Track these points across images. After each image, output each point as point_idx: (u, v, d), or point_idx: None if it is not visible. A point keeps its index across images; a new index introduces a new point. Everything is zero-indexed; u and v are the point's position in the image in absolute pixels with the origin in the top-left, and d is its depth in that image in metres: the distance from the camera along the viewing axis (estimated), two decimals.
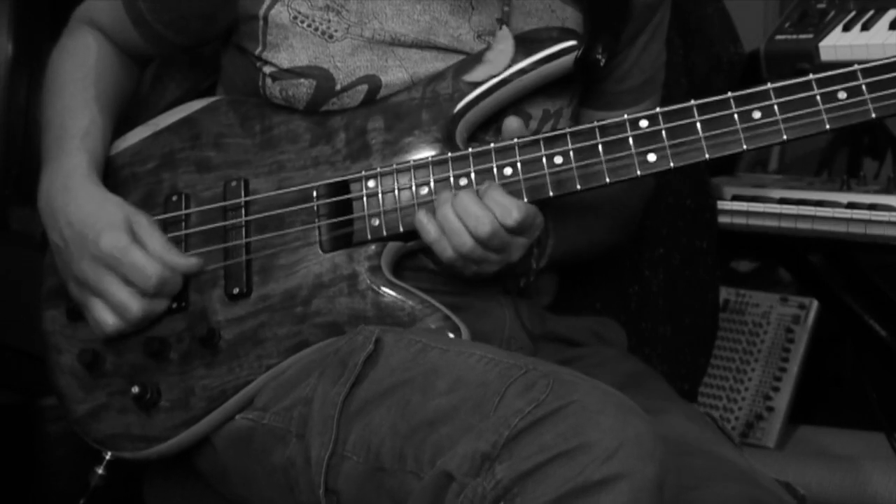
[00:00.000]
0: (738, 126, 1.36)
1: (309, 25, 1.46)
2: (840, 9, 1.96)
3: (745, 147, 1.36)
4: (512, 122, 1.43)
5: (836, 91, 1.35)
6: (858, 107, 1.35)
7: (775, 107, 1.36)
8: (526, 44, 1.46)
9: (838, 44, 1.89)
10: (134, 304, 1.44)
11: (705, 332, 2.06)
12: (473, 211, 1.36)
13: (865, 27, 1.89)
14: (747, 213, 1.84)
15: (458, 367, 1.29)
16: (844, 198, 1.75)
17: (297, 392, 1.40)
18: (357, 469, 1.31)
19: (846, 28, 1.91)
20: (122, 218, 1.45)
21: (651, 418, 1.21)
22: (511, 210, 1.36)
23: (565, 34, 1.47)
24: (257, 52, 1.50)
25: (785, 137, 1.36)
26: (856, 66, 1.35)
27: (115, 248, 1.43)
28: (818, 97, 1.35)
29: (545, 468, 1.15)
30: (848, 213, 1.72)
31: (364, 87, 1.46)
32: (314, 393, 1.37)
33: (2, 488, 2.26)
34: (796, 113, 1.36)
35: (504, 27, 1.47)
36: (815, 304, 2.49)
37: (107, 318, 1.46)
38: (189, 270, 1.46)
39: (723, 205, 1.87)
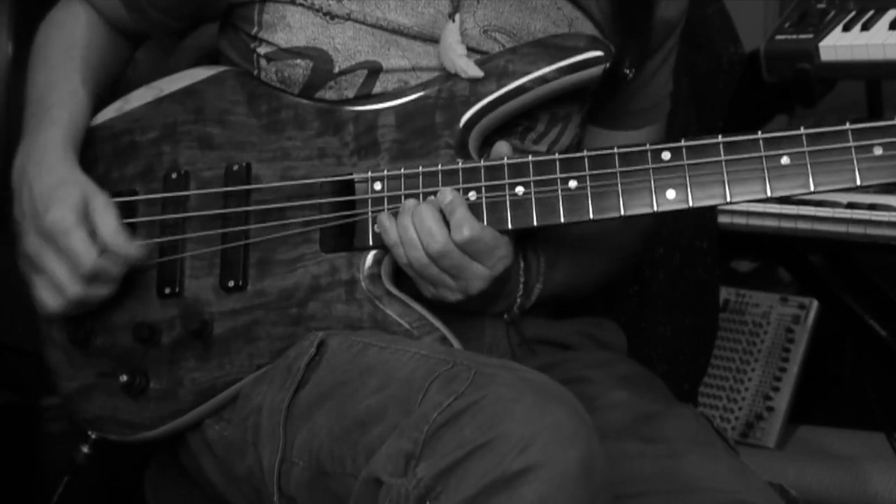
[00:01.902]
0: (765, 173, 1.30)
1: (310, 7, 1.43)
2: (840, 9, 1.96)
3: (769, 195, 1.30)
4: (501, 148, 1.40)
5: (873, 145, 1.27)
6: (894, 167, 1.27)
7: (806, 154, 1.29)
8: (551, 50, 1.39)
9: (838, 44, 1.90)
10: (71, 286, 1.39)
11: (705, 332, 2.06)
12: (429, 226, 1.33)
13: (865, 27, 1.89)
14: (747, 213, 1.84)
15: (391, 364, 1.27)
16: (844, 198, 1.75)
17: (252, 401, 1.39)
18: (304, 474, 1.30)
19: (846, 28, 1.91)
20: (76, 196, 1.40)
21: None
22: (462, 225, 1.32)
23: (594, 43, 1.39)
24: (253, 31, 1.46)
25: (812, 189, 1.29)
26: None
27: (58, 226, 1.38)
28: (853, 150, 1.28)
29: (464, 463, 1.13)
30: (848, 214, 1.72)
31: (363, 73, 1.42)
32: (264, 401, 1.37)
33: (2, 488, 2.26)
34: (827, 162, 1.29)
35: (450, 22, 1.41)
36: (815, 304, 2.49)
37: (46, 297, 1.41)
38: (135, 259, 1.41)
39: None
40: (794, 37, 1.97)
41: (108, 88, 1.57)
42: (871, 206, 1.71)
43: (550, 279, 1.51)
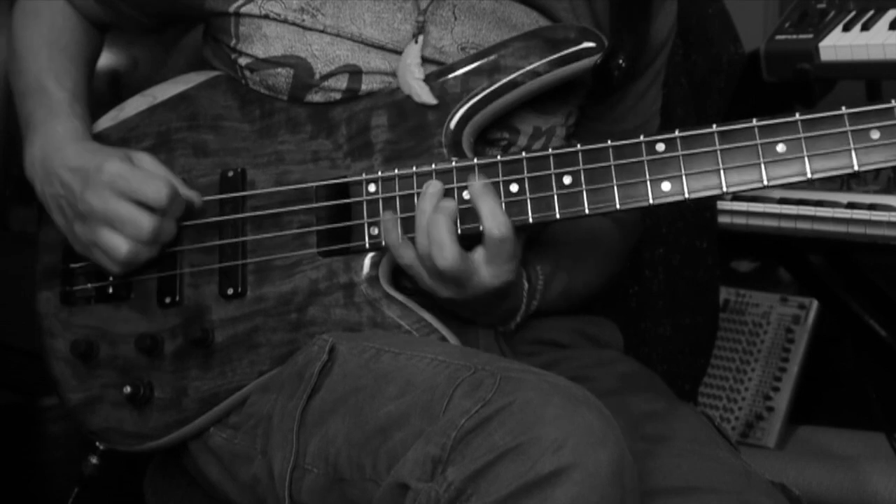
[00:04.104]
0: (761, 161, 1.27)
1: (283, 21, 1.43)
2: (840, 9, 1.96)
3: (765, 183, 1.27)
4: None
5: (870, 129, 1.25)
6: (892, 149, 1.24)
7: (802, 141, 1.26)
8: (542, 42, 1.37)
9: (838, 44, 1.90)
10: (146, 221, 1.39)
11: (705, 332, 2.06)
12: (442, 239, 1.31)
13: (865, 27, 1.89)
14: (747, 213, 1.84)
15: (408, 371, 1.27)
16: (844, 198, 1.75)
17: (261, 409, 1.39)
18: (319, 481, 1.30)
19: (846, 28, 1.91)
20: (122, 152, 1.43)
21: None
22: (500, 222, 1.31)
23: (584, 34, 1.37)
24: (232, 44, 1.47)
25: (809, 176, 1.26)
26: (893, 103, 1.25)
27: (121, 170, 1.39)
28: (849, 134, 1.25)
29: (495, 466, 1.13)
30: (848, 213, 1.72)
31: (345, 76, 1.42)
32: (274, 408, 1.36)
33: (2, 488, 2.26)
34: (824, 151, 1.26)
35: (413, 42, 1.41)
36: (815, 304, 2.49)
37: (118, 243, 1.40)
38: (192, 201, 1.43)
39: (723, 205, 1.87)
40: (794, 37, 1.97)
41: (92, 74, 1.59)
42: (871, 206, 1.71)
43: (548, 293, 1.50)
